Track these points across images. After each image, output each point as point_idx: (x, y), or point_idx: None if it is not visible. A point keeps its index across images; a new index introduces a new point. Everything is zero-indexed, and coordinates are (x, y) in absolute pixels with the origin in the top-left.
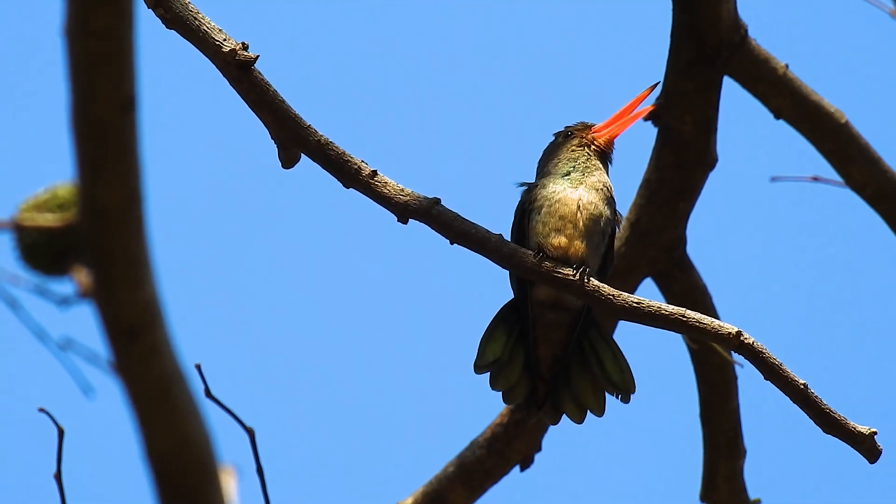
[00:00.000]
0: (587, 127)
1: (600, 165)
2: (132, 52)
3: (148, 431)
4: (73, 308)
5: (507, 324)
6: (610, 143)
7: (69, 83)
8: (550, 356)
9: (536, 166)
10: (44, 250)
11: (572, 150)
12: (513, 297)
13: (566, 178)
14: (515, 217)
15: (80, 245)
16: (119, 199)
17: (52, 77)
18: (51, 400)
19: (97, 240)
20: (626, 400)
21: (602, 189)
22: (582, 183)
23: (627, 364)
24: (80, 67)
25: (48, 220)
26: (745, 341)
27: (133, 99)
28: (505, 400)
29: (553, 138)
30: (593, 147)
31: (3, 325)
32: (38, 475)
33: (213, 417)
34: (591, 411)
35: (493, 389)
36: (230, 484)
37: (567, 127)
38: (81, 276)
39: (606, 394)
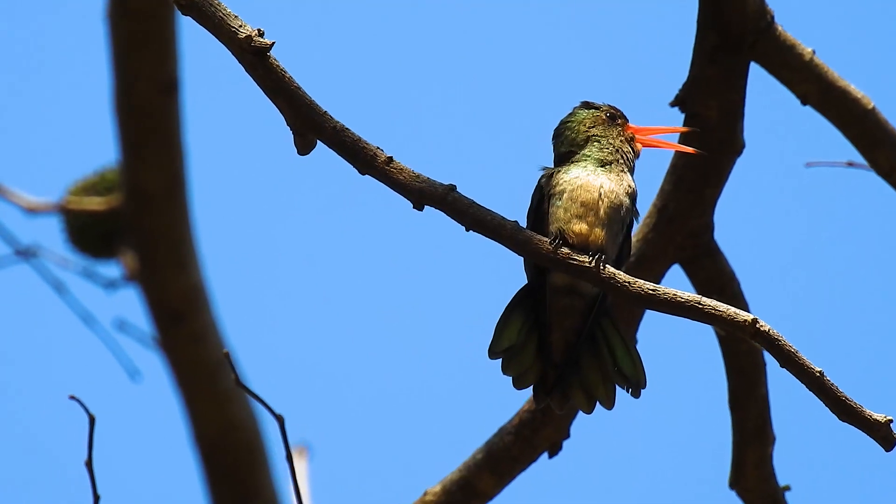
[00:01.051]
0: (623, 117)
1: (631, 163)
2: (172, 34)
3: (195, 414)
4: (120, 291)
5: (523, 309)
6: (640, 151)
7: (111, 66)
8: (563, 342)
9: (558, 137)
10: (91, 233)
11: (620, 141)
12: (521, 287)
13: (602, 166)
14: (533, 201)
15: (125, 228)
16: (162, 183)
17: (99, 60)
18: (95, 383)
19: (140, 223)
20: (636, 394)
21: (625, 184)
22: (611, 173)
23: (639, 357)
24: (122, 50)
25: (96, 203)
26: (761, 329)
27: (175, 81)
28: (515, 385)
29: (582, 107)
30: (629, 148)
31: (51, 308)
32: (96, 459)
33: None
34: (600, 402)
35: (504, 374)
36: (301, 464)
37: (609, 106)
38: (128, 260)
39: (617, 387)
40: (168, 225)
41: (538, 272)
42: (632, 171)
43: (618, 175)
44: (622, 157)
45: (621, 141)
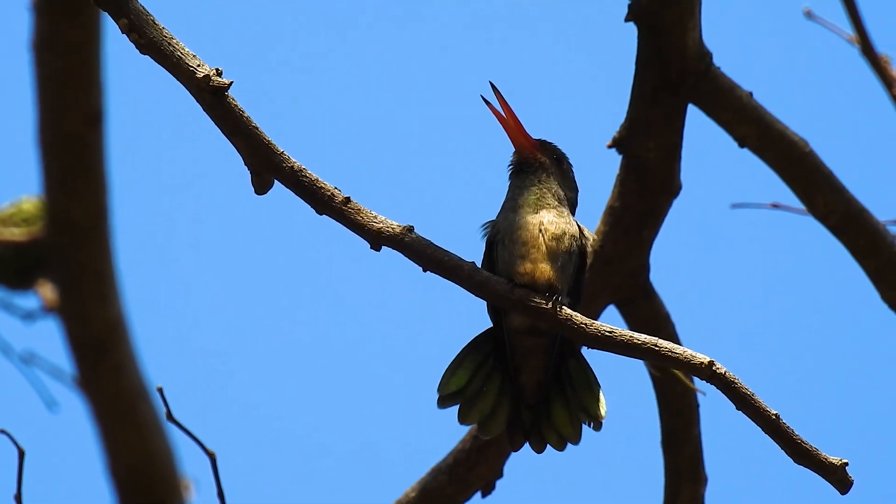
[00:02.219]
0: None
1: (537, 180)
2: (99, 67)
3: (112, 446)
4: (38, 323)
5: (479, 353)
6: (521, 150)
7: (36, 97)
8: (534, 382)
9: None
10: (9, 265)
11: (513, 185)
12: (489, 326)
13: (520, 205)
14: (485, 251)
15: (45, 260)
16: (86, 215)
17: (19, 91)
18: (14, 414)
19: (64, 255)
20: (597, 428)
21: (555, 204)
22: (536, 205)
23: (600, 391)
24: (47, 82)
25: (14, 234)
26: (718, 371)
27: (100, 114)
28: (482, 433)
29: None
30: (512, 169)
31: None
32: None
33: (179, 437)
34: (568, 440)
35: (461, 423)
36: (188, 498)
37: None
38: (47, 291)
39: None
40: (93, 255)
41: (496, 313)
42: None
43: (555, 207)
44: (519, 186)
45: (528, 171)
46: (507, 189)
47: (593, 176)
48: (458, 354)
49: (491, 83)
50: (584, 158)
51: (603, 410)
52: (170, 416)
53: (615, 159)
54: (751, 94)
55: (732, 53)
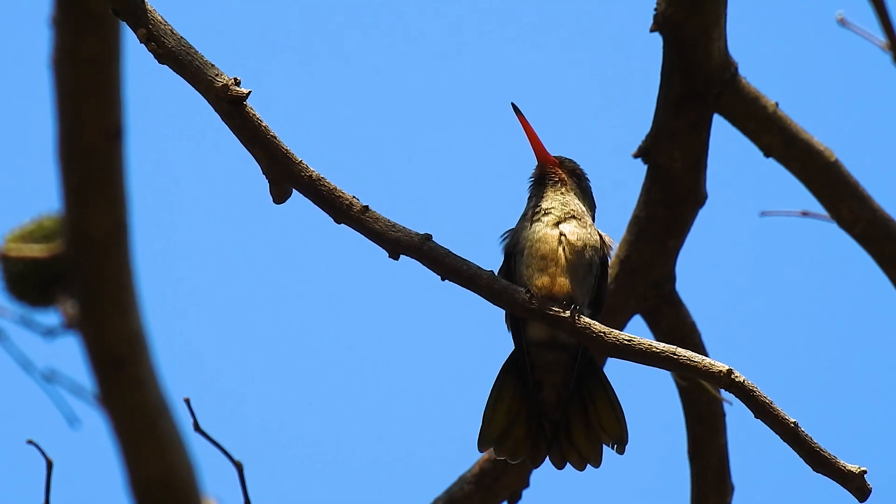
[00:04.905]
0: (539, 168)
1: (560, 191)
2: (119, 81)
3: (132, 462)
4: (59, 339)
5: (510, 387)
6: (544, 164)
7: (55, 112)
8: (555, 397)
9: None
10: (29, 281)
11: (533, 196)
12: (511, 350)
13: (539, 216)
14: (503, 262)
15: (65, 275)
16: (105, 229)
17: (39, 106)
18: (36, 431)
19: (83, 270)
20: (621, 451)
21: (577, 214)
22: (558, 217)
23: (622, 414)
24: (67, 96)
25: (34, 250)
26: (736, 379)
27: (120, 128)
28: (511, 459)
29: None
30: (533, 181)
31: None
32: None
33: (201, 450)
34: (589, 461)
35: (498, 457)
36: None
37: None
38: (67, 307)
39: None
40: (111, 270)
41: (515, 325)
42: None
43: (577, 217)
44: (542, 199)
45: (549, 184)
46: (526, 199)
47: (619, 186)
48: (491, 394)
49: (513, 104)
50: (610, 168)
51: (625, 433)
52: (197, 427)
53: (641, 169)
54: (776, 104)
55: (759, 62)
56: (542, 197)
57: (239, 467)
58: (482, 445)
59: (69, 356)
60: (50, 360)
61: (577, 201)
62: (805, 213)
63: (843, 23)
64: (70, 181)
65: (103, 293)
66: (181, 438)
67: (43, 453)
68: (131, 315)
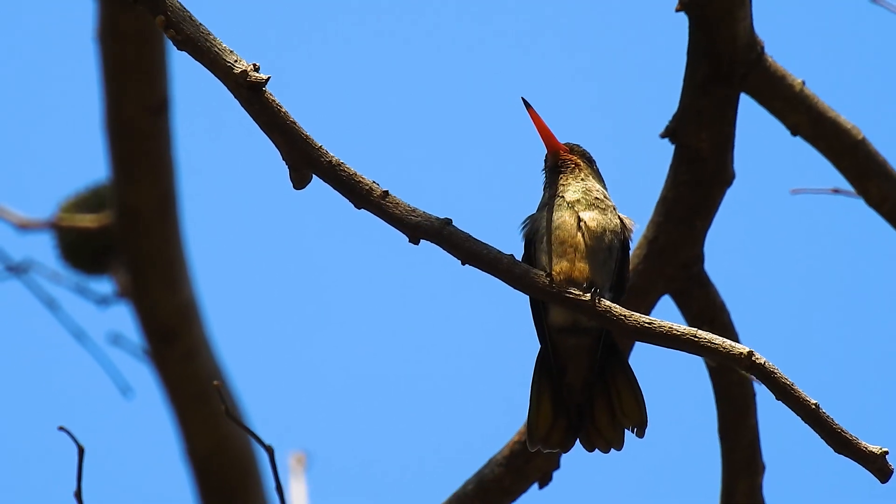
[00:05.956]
0: (550, 157)
1: (580, 176)
2: (163, 55)
3: (187, 431)
4: (112, 308)
5: (546, 383)
6: (555, 152)
7: (102, 86)
8: (581, 381)
9: None
10: (83, 250)
11: (550, 184)
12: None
13: (558, 203)
14: (524, 249)
15: (118, 245)
16: (152, 202)
17: (90, 79)
18: (87, 400)
19: (132, 242)
20: (640, 434)
21: (596, 200)
22: (577, 202)
23: (643, 398)
24: (112, 71)
25: (88, 219)
26: (757, 361)
27: (165, 102)
28: (545, 448)
29: None
30: (546, 170)
31: (43, 324)
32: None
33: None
34: (612, 445)
35: (545, 450)
36: (300, 471)
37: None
38: (120, 276)
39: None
40: (159, 243)
41: (537, 310)
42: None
43: (596, 202)
44: (557, 185)
45: (566, 171)
46: (543, 187)
47: (647, 166)
48: (531, 395)
49: (523, 99)
50: (638, 149)
51: (645, 417)
52: (228, 413)
53: (668, 149)
54: (803, 82)
55: (786, 41)
56: (563, 185)
57: (270, 452)
58: (533, 445)
59: (123, 326)
60: (104, 329)
61: (598, 186)
62: (836, 191)
63: (877, 1)
64: (116, 155)
65: (152, 266)
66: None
67: (74, 439)
68: (181, 287)
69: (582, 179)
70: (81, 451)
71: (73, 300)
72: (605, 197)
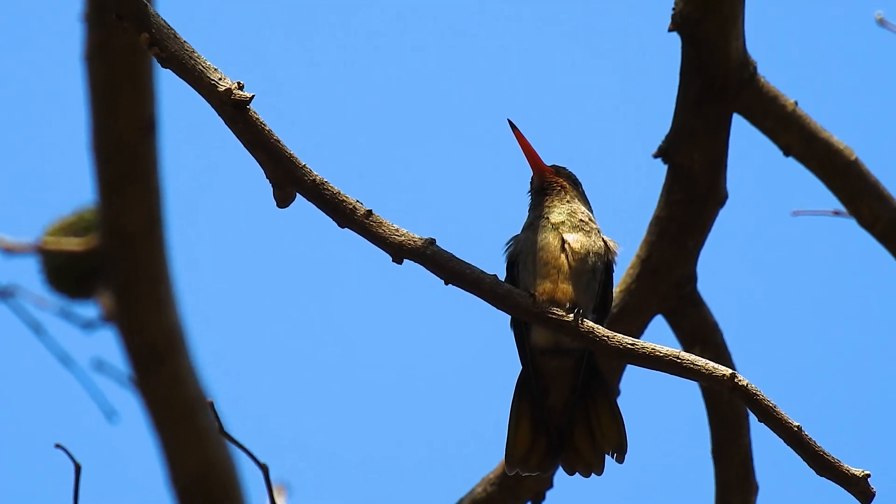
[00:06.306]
0: (537, 179)
1: (565, 199)
2: (150, 75)
3: (172, 456)
4: (97, 332)
5: (526, 405)
6: (541, 175)
7: (89, 106)
8: (562, 403)
9: None
10: (69, 274)
11: (536, 205)
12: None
13: (542, 224)
14: (506, 270)
15: (103, 269)
16: (140, 223)
17: (75, 100)
18: (72, 424)
19: (119, 263)
20: (620, 459)
21: (581, 222)
22: (562, 223)
23: (623, 422)
24: (100, 90)
25: (71, 243)
26: (739, 383)
27: (153, 121)
28: (524, 471)
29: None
30: (532, 191)
31: (29, 348)
32: None
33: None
34: (592, 469)
35: (524, 474)
36: (281, 501)
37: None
38: (106, 300)
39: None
40: (147, 264)
41: (519, 331)
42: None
43: (581, 225)
44: (542, 206)
45: (551, 193)
46: (528, 208)
47: (640, 186)
48: (511, 416)
49: (509, 121)
50: (630, 169)
51: (625, 442)
52: (222, 430)
53: (661, 169)
54: (795, 102)
55: (778, 61)
56: (548, 206)
57: (264, 469)
58: (511, 468)
59: (108, 350)
60: (89, 353)
61: (583, 208)
62: (836, 213)
63: (882, 23)
64: (104, 175)
65: (139, 287)
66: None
67: (71, 457)
68: (168, 309)
69: (567, 201)
70: (78, 469)
71: (59, 325)
72: (589, 220)
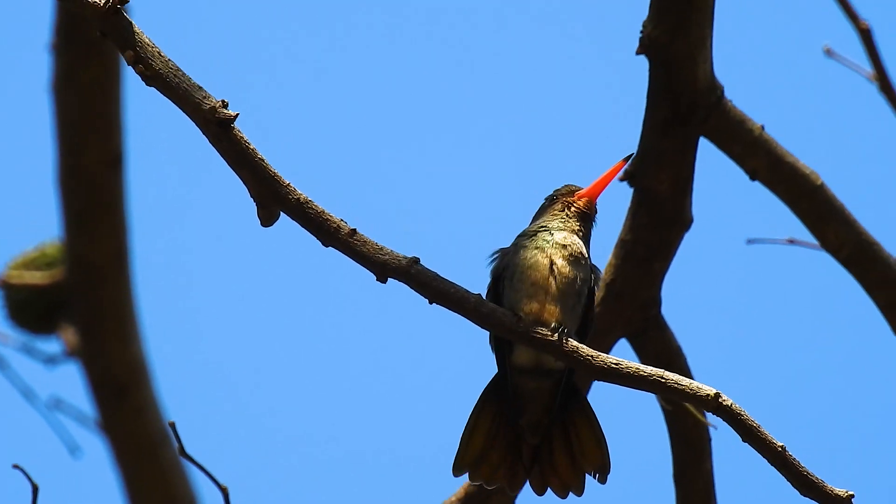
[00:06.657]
0: (571, 191)
1: (577, 227)
2: (119, 108)
3: (134, 490)
4: (60, 367)
5: (489, 410)
6: (590, 205)
7: (56, 138)
8: (536, 423)
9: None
10: (31, 308)
11: (553, 214)
12: (494, 374)
13: (539, 242)
14: (490, 284)
15: (67, 303)
16: (106, 256)
17: (40, 133)
18: (36, 459)
19: (84, 296)
20: (602, 480)
21: (574, 251)
22: (554, 246)
23: (605, 442)
24: (68, 123)
25: (35, 277)
26: (724, 403)
27: (120, 155)
28: (488, 484)
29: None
30: (573, 209)
31: None
32: None
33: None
34: (572, 490)
35: (473, 482)
36: None
37: (555, 191)
38: (69, 335)
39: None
40: (112, 297)
41: (500, 349)
42: (587, 228)
43: (565, 244)
44: (553, 224)
45: (554, 212)
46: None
47: (605, 209)
48: (470, 418)
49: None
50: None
51: (608, 462)
52: (182, 452)
53: (627, 192)
54: (762, 126)
55: (746, 85)
56: (563, 220)
57: (224, 492)
58: (457, 470)
59: (71, 384)
60: (52, 388)
61: (582, 243)
62: (791, 241)
63: (829, 54)
64: (70, 208)
65: (104, 320)
66: (183, 467)
67: (29, 478)
68: (133, 342)
69: (578, 230)
70: (35, 490)
71: (22, 360)
72: (583, 254)
